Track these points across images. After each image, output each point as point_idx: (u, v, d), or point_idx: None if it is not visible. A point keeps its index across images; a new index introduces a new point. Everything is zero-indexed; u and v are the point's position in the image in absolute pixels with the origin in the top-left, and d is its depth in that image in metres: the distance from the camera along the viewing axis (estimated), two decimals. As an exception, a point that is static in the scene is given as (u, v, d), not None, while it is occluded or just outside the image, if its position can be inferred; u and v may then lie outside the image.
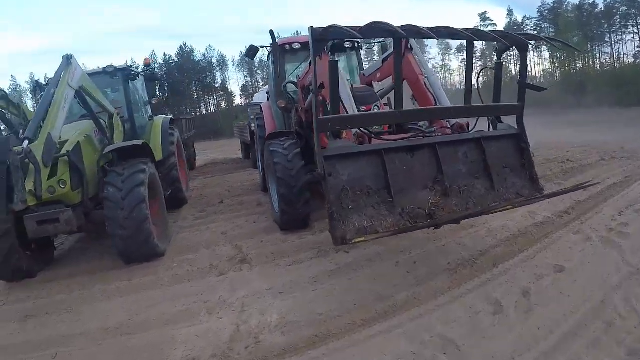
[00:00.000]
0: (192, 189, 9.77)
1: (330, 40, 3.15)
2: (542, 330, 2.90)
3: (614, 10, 42.09)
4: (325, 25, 2.97)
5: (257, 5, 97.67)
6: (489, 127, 3.99)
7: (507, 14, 53.27)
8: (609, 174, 7.48)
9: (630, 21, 41.53)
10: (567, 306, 3.17)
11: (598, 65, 43.87)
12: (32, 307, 4.14)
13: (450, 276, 3.80)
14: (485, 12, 61.72)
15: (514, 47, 3.89)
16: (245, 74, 56.36)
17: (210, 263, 4.74)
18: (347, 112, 3.84)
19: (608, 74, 38.23)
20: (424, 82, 4.50)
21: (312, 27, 3.00)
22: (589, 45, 42.61)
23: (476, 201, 3.53)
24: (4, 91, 4.57)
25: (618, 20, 42.35)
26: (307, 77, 5.55)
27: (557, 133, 14.90)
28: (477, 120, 3.93)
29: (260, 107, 7.77)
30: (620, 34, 42.95)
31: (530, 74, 48.95)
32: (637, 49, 41.52)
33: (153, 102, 7.87)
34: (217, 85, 55.98)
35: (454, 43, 51.51)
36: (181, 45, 53.69)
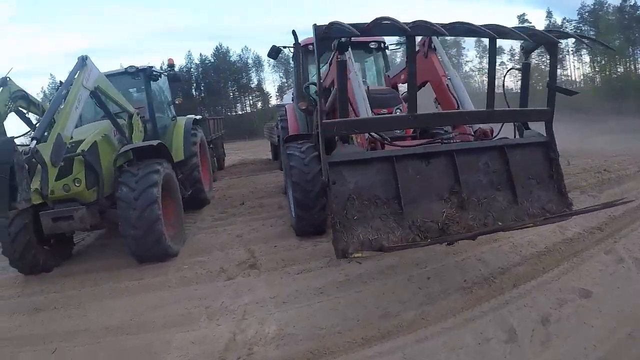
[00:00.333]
0: (217, 189, 9.84)
1: (335, 39, 2.96)
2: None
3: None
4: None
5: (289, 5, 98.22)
6: (514, 134, 3.65)
7: (546, 16, 50.03)
8: (648, 187, 6.82)
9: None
10: (589, 339, 2.81)
11: (640, 70, 41.23)
12: (44, 300, 4.25)
13: (464, 295, 3.51)
14: (523, 14, 57.58)
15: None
16: (281, 75, 56.78)
17: (221, 266, 4.69)
18: (358, 115, 3.64)
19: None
20: (447, 84, 4.25)
21: (315, 25, 2.84)
22: (630, 49, 40.09)
23: (496, 215, 3.22)
24: (24, 91, 4.71)
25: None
26: (327, 78, 5.38)
27: (594, 140, 14.09)
28: (501, 126, 3.60)
29: (285, 108, 7.70)
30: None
31: (569, 78, 46.82)
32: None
33: (176, 102, 7.94)
34: (252, 86, 56.99)
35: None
36: (217, 46, 55.24)
